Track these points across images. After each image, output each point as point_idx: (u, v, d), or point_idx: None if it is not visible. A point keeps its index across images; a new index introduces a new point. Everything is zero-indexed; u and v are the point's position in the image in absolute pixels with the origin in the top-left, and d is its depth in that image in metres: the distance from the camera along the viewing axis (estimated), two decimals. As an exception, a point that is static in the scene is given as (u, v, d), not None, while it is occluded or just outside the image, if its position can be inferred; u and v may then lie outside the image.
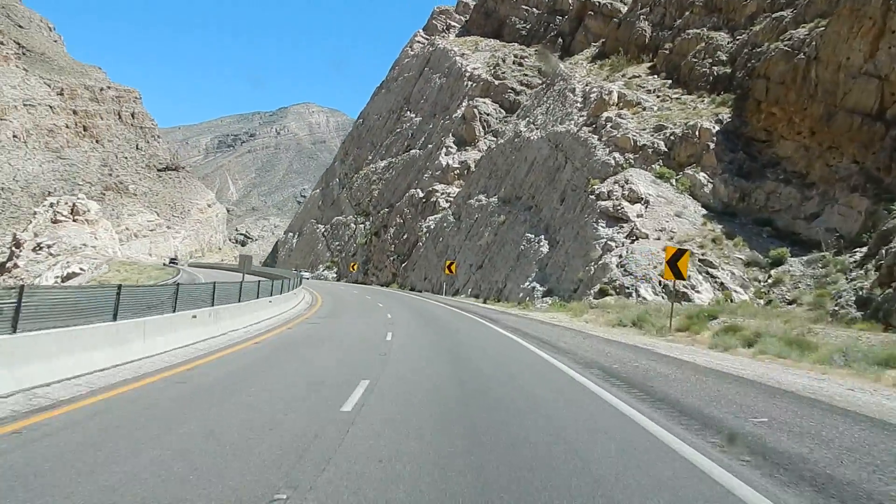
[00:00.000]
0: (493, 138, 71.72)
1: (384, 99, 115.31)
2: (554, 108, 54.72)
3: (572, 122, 48.49)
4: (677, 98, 44.82)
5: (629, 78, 49.83)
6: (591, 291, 30.67)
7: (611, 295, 29.29)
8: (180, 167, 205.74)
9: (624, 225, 34.01)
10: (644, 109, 44.31)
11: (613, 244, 32.97)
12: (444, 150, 75.37)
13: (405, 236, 70.78)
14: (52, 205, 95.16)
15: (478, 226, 52.86)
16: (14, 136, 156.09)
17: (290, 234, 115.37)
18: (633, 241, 32.48)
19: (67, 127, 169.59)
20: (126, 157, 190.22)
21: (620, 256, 31.35)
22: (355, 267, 73.83)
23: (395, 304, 36.68)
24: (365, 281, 73.18)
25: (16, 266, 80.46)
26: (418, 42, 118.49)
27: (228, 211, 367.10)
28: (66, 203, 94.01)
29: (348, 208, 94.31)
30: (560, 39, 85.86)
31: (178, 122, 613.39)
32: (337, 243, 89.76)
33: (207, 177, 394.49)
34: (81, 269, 74.96)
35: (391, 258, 70.07)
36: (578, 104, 51.14)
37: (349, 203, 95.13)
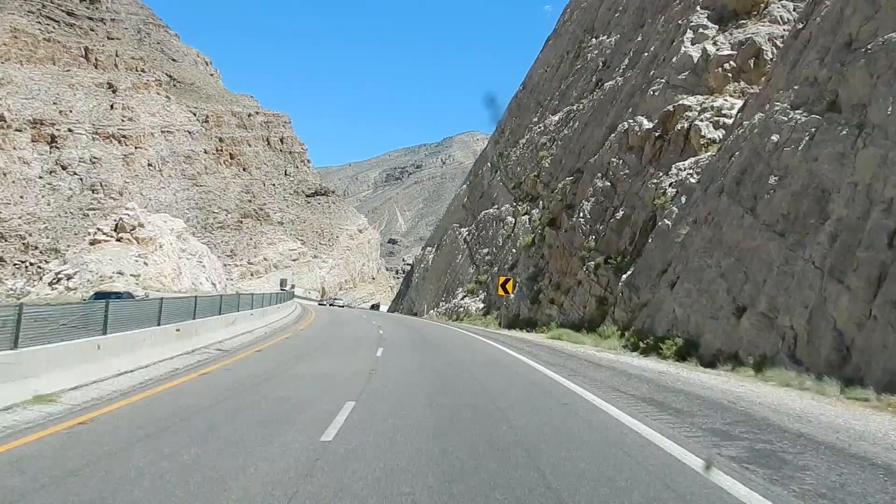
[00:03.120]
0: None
1: (553, 48, 75.98)
2: None
3: None
4: None
5: None
6: None
7: None
8: (330, 191, 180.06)
9: None
10: None
11: None
12: (688, 35, 33.99)
13: (618, 213, 29.91)
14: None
15: None
16: (149, 165, 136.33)
17: (429, 248, 78.77)
18: None
19: (206, 152, 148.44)
20: (273, 184, 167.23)
21: None
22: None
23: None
24: (532, 318, 33.02)
25: (19, 306, 50.02)
26: (596, -31, 78.26)
27: (396, 242, 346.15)
28: (114, 217, 64.67)
29: (503, 194, 55.30)
30: None
31: (348, 160, 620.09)
32: (485, 251, 50.81)
33: (376, 210, 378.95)
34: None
35: (590, 263, 29.30)
36: None
37: (504, 187, 56.09)
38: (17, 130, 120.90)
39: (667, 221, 25.20)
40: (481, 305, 44.86)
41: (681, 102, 30.20)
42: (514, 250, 45.40)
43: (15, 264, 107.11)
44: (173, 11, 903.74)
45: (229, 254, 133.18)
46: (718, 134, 27.82)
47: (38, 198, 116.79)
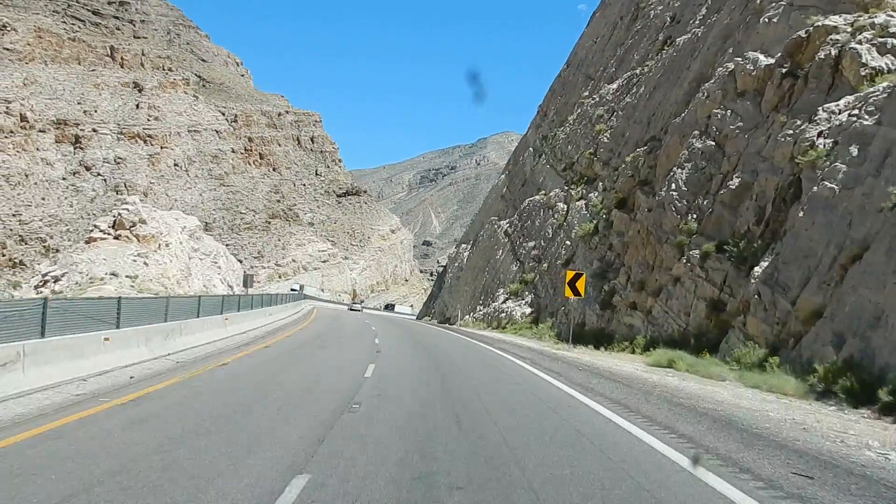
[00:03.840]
0: None
1: (601, 19, 66.70)
2: None
3: None
4: None
5: None
6: None
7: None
8: (361, 191, 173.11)
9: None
10: None
11: None
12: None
13: (731, 182, 20.82)
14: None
15: None
16: (175, 165, 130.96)
17: (464, 245, 70.00)
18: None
19: (234, 152, 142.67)
20: (304, 184, 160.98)
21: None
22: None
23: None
24: (604, 329, 23.99)
25: None
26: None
27: (431, 244, 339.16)
28: (113, 213, 57.72)
29: (550, 178, 46.37)
30: None
31: (382, 162, 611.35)
32: (531, 244, 41.86)
33: (411, 212, 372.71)
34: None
35: (693, 253, 20.15)
36: None
37: (552, 170, 47.15)
38: (40, 131, 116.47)
39: (829, 184, 16.11)
40: (528, 310, 35.98)
41: (820, 24, 20.99)
42: (567, 242, 36.48)
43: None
44: (205, 13, 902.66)
45: (256, 255, 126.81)
46: (888, 60, 18.65)
47: (61, 199, 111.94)
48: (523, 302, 37.00)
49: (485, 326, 38.72)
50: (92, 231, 54.84)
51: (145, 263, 52.73)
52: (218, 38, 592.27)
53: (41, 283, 49.15)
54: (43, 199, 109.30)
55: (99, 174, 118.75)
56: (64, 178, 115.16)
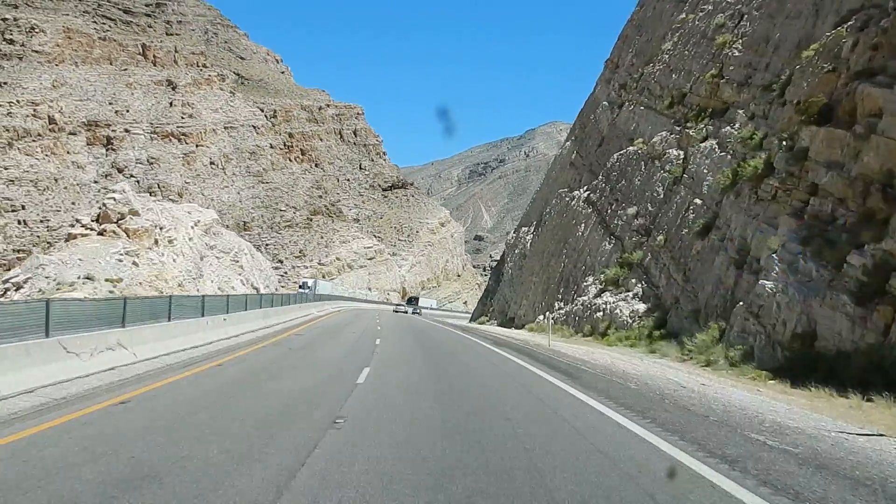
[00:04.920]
0: None
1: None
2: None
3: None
4: None
5: None
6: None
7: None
8: (408, 184, 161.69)
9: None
10: None
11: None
12: None
13: None
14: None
15: None
16: (211, 163, 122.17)
17: (524, 228, 56.78)
18: None
19: (272, 147, 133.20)
20: (348, 179, 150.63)
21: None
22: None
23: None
24: (888, 359, 10.54)
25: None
26: None
27: (483, 238, 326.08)
28: (103, 205, 47.53)
29: (647, 122, 32.99)
30: None
31: (431, 159, 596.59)
32: (632, 210, 28.65)
33: (461, 207, 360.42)
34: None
35: None
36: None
37: (650, 111, 33.68)
38: (70, 134, 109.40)
39: None
40: (641, 307, 22.96)
41: None
42: (696, 200, 23.23)
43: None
44: (243, 12, 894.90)
45: (298, 254, 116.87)
46: None
47: (92, 203, 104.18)
48: (630, 294, 23.97)
49: (572, 333, 26.01)
50: (73, 226, 44.76)
51: (134, 263, 41.91)
52: (257, 36, 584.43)
53: (3, 293, 39.02)
54: (73, 203, 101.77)
55: (132, 175, 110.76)
56: (95, 181, 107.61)
